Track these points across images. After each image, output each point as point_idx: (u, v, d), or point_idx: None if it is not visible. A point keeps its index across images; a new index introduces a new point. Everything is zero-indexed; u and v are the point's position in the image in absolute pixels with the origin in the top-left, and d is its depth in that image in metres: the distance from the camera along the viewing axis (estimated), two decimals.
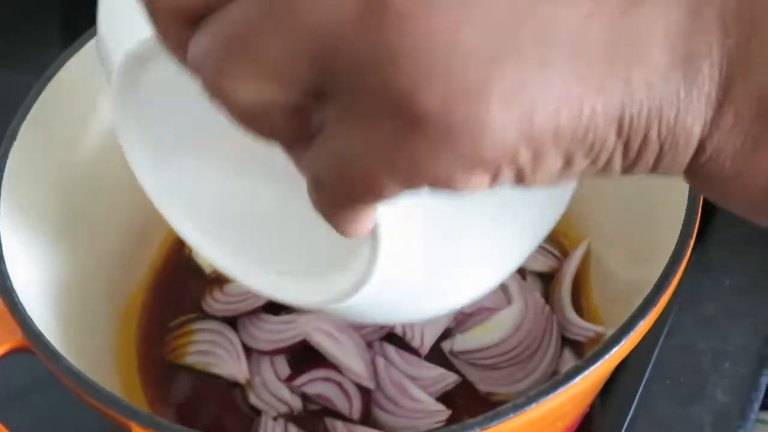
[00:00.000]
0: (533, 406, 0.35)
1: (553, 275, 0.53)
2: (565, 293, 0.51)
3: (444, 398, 0.48)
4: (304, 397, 0.49)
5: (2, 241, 0.43)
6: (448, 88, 0.22)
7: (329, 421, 0.48)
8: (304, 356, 0.50)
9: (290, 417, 0.48)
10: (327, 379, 0.48)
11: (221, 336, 0.51)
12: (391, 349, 0.49)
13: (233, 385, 0.50)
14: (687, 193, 0.42)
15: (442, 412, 0.47)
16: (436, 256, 0.33)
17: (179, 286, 0.55)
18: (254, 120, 0.25)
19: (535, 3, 0.23)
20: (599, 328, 0.48)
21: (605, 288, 0.51)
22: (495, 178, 0.24)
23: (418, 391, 0.47)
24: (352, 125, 0.24)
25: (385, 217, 0.29)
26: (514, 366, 0.49)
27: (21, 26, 0.73)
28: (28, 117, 0.47)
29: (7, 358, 0.41)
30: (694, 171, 0.26)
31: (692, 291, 0.55)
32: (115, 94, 0.34)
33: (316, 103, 0.24)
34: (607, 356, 0.36)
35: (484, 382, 0.48)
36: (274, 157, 0.33)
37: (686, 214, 0.41)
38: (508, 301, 0.50)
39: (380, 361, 0.48)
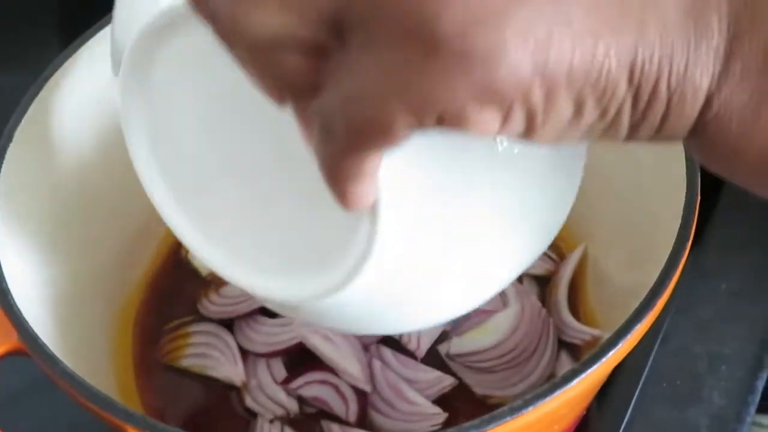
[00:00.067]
0: (530, 409, 0.35)
1: (550, 278, 0.53)
2: (562, 296, 0.51)
3: (440, 401, 0.48)
4: (301, 400, 0.49)
5: None
6: (468, 15, 0.23)
7: (325, 424, 0.48)
8: (301, 359, 0.50)
9: (286, 420, 0.48)
10: (323, 382, 0.48)
11: (217, 338, 0.51)
12: (387, 352, 0.49)
13: (229, 387, 0.50)
14: (684, 197, 0.42)
15: (439, 415, 0.47)
16: (434, 254, 0.32)
17: (175, 288, 0.55)
18: (266, 59, 0.25)
19: None
20: (596, 332, 0.49)
21: (602, 291, 0.51)
22: (506, 120, 0.24)
23: (414, 393, 0.47)
24: (367, 58, 0.24)
25: (385, 193, 0.29)
26: (510, 369, 0.49)
27: (18, 27, 0.73)
28: (25, 119, 0.47)
29: (3, 361, 0.41)
30: (699, 131, 0.26)
31: (688, 295, 0.55)
32: (124, 73, 0.34)
33: (332, 41, 0.24)
34: (603, 359, 0.36)
35: (480, 385, 0.48)
36: (267, 145, 0.33)
37: (683, 218, 0.41)
38: (505, 304, 0.50)
39: (377, 364, 0.48)
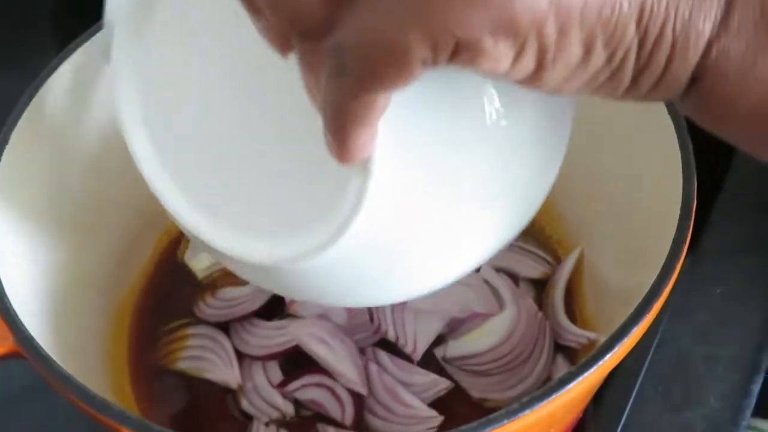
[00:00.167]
0: (527, 412, 0.35)
1: (547, 281, 0.53)
2: (558, 300, 0.51)
3: (436, 404, 0.48)
4: (297, 403, 0.49)
5: None
6: None
7: (321, 427, 0.48)
8: (297, 362, 0.50)
9: (282, 423, 0.48)
10: (319, 385, 0.48)
11: (213, 341, 0.51)
12: (383, 355, 0.49)
13: (225, 390, 0.50)
14: (680, 200, 0.42)
15: (435, 418, 0.47)
16: (418, 220, 0.32)
17: (171, 291, 0.55)
18: None
19: None
20: (592, 335, 0.49)
21: (598, 295, 0.51)
22: (518, 56, 0.25)
23: (410, 396, 0.47)
24: None
25: (379, 150, 0.29)
26: (506, 372, 0.49)
27: (14, 30, 0.73)
28: (21, 121, 0.47)
29: None
30: (697, 79, 0.26)
31: (684, 298, 0.55)
32: (117, 36, 0.35)
33: None
34: (600, 362, 0.36)
35: (476, 389, 0.48)
36: (250, 107, 0.32)
37: (679, 222, 0.41)
38: (501, 307, 0.50)
39: (373, 367, 0.48)
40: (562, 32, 0.25)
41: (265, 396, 0.49)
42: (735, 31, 0.26)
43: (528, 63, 0.25)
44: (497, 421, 0.34)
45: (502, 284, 0.51)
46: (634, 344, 0.38)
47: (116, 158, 0.53)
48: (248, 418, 0.49)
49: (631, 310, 0.38)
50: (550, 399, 0.35)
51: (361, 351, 0.49)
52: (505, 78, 0.26)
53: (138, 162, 0.37)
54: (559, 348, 0.50)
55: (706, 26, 0.26)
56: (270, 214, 0.33)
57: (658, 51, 0.26)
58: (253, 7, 0.27)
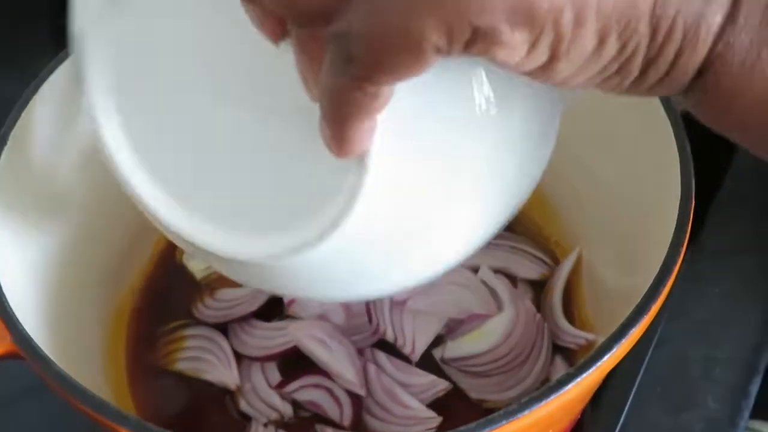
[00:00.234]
0: (525, 413, 0.35)
1: (545, 283, 0.53)
2: (557, 301, 0.51)
3: (435, 405, 0.48)
4: (295, 404, 0.49)
5: None
6: None
7: (320, 428, 0.47)
8: (295, 363, 0.50)
9: (281, 424, 0.48)
10: (318, 386, 0.48)
11: (212, 342, 0.51)
12: (382, 356, 0.49)
13: (224, 391, 0.50)
14: (678, 202, 0.42)
15: (433, 419, 0.47)
16: (409, 213, 0.32)
17: (170, 292, 0.55)
18: None
19: None
20: (590, 336, 0.49)
21: (596, 296, 0.51)
22: (533, 46, 0.25)
23: (409, 397, 0.47)
24: None
25: (376, 143, 0.28)
26: (505, 373, 0.49)
27: (12, 31, 0.73)
28: (19, 123, 0.47)
29: None
30: (702, 71, 0.27)
31: (682, 299, 0.55)
32: (85, 25, 0.33)
33: None
34: (598, 363, 0.36)
35: (475, 390, 0.48)
36: (233, 99, 0.31)
37: (677, 223, 0.41)
38: (499, 308, 0.50)
39: (371, 368, 0.48)
40: (579, 22, 0.24)
41: (264, 397, 0.49)
42: (741, 25, 0.26)
43: (542, 53, 0.25)
44: (496, 421, 0.34)
45: (501, 285, 0.51)
46: (632, 345, 0.38)
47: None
48: (246, 419, 0.49)
49: (629, 311, 0.38)
50: (549, 400, 0.35)
51: (360, 352, 0.49)
52: (515, 69, 0.26)
53: (112, 162, 0.36)
54: (558, 349, 0.50)
55: (715, 19, 0.26)
56: (259, 209, 0.33)
57: (668, 43, 0.26)
58: None
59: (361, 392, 0.48)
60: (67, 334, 0.46)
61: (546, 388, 0.35)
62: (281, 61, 0.27)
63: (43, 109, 0.48)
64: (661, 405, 0.51)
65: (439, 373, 0.49)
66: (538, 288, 0.53)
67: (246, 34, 0.28)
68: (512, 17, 0.24)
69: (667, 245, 0.40)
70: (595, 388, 0.44)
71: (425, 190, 0.32)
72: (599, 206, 0.51)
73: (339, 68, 0.25)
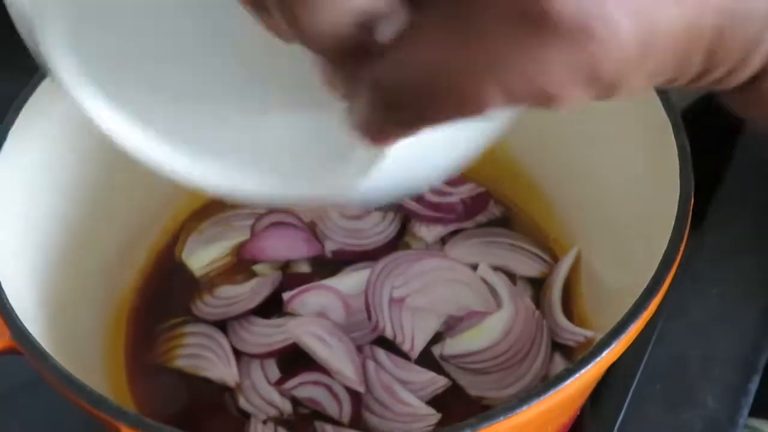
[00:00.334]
0: (524, 408, 0.35)
1: (544, 280, 0.53)
2: (556, 298, 0.51)
3: (434, 402, 0.48)
4: (294, 401, 0.49)
5: None
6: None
7: (319, 425, 0.47)
8: (294, 360, 0.50)
9: (280, 420, 0.48)
10: (317, 383, 0.48)
11: (211, 339, 0.51)
12: (381, 353, 0.49)
13: (223, 388, 0.50)
14: (677, 200, 0.42)
15: (432, 416, 0.47)
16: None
17: (169, 289, 0.55)
18: (323, 30, 0.23)
19: None
20: (589, 333, 0.49)
21: (595, 294, 0.51)
22: (597, 97, 0.24)
23: (408, 394, 0.47)
24: (456, 30, 0.23)
25: None
26: (504, 370, 0.49)
27: (9, 31, 0.73)
28: (17, 122, 0.47)
29: None
30: (759, 77, 0.27)
31: (681, 298, 0.55)
32: None
33: (404, 7, 0.23)
34: (597, 359, 0.36)
35: (474, 387, 0.48)
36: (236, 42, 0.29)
37: (676, 221, 0.41)
38: (498, 305, 0.50)
39: (370, 365, 0.48)
40: (652, 77, 0.24)
41: (263, 394, 0.49)
42: None
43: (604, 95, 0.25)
44: (494, 417, 0.34)
45: (500, 283, 0.51)
46: (631, 341, 0.38)
47: (114, 157, 0.53)
48: (246, 416, 0.49)
49: (628, 308, 0.38)
50: (548, 395, 0.35)
51: (359, 349, 0.49)
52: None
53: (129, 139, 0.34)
54: (557, 347, 0.50)
55: None
56: (288, 153, 0.31)
57: (726, 60, 0.26)
58: (258, 4, 0.24)
59: (361, 389, 0.48)
60: (66, 331, 0.46)
61: (544, 383, 0.35)
62: None
63: (42, 107, 0.48)
64: (660, 403, 0.51)
65: (438, 370, 0.49)
66: (537, 285, 0.53)
67: None
68: (580, 81, 0.23)
69: (666, 243, 0.40)
70: (594, 385, 0.44)
71: None
72: (598, 204, 0.51)
73: (379, 110, 0.24)
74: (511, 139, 0.56)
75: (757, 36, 0.25)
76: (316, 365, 0.49)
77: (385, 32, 0.23)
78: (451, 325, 0.50)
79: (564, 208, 0.55)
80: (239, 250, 0.55)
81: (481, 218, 0.56)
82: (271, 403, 0.48)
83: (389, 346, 0.49)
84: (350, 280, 0.51)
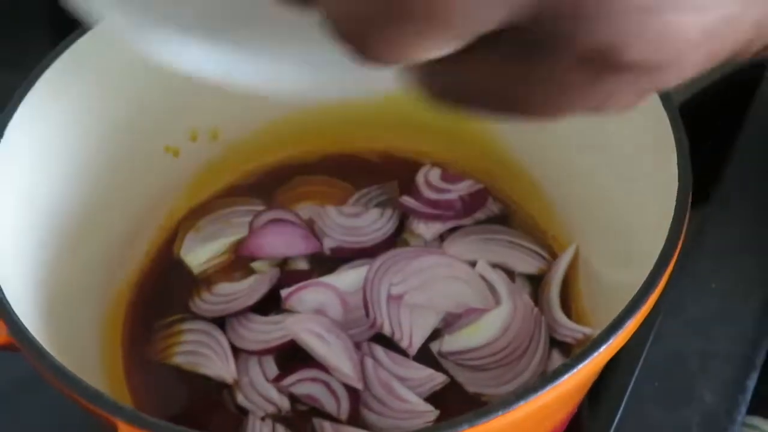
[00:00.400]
0: (521, 404, 0.35)
1: (542, 277, 0.53)
2: (554, 295, 0.51)
3: (432, 399, 0.48)
4: (292, 398, 0.49)
5: None
6: (649, 34, 0.23)
7: (317, 422, 0.47)
8: (293, 356, 0.49)
9: (278, 417, 0.48)
10: (315, 380, 0.48)
11: (209, 336, 0.51)
12: (379, 350, 0.49)
13: (221, 385, 0.50)
14: (675, 195, 0.42)
15: (431, 413, 0.47)
16: None
17: (167, 286, 0.55)
18: None
19: None
20: (587, 330, 0.49)
21: (594, 291, 0.51)
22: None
23: (406, 391, 0.47)
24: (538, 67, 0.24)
25: None
26: (502, 367, 0.49)
27: (7, 26, 0.73)
28: (14, 118, 0.46)
29: None
30: None
31: (679, 295, 0.55)
32: None
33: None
34: (595, 355, 0.36)
35: (472, 383, 0.48)
36: None
37: (674, 216, 0.41)
38: (497, 302, 0.50)
39: (368, 362, 0.48)
40: (709, 62, 0.25)
41: (261, 391, 0.49)
42: None
43: None
44: (491, 412, 0.34)
45: (498, 280, 0.51)
46: (629, 337, 0.38)
47: (111, 154, 0.53)
48: (244, 412, 0.49)
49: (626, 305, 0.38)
50: (545, 391, 0.35)
51: (357, 346, 0.49)
52: None
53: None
54: (555, 343, 0.50)
55: None
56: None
57: None
58: None
59: (359, 386, 0.48)
60: (64, 327, 0.46)
61: (543, 378, 0.35)
62: None
63: (39, 105, 0.48)
64: (658, 400, 0.51)
65: (437, 367, 0.49)
66: (536, 283, 0.53)
67: None
68: (644, 95, 0.25)
69: (664, 240, 0.40)
70: (592, 381, 0.44)
71: None
72: (597, 201, 0.51)
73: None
74: (509, 136, 0.57)
75: None
76: (314, 362, 0.49)
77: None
78: (449, 322, 0.50)
79: (562, 205, 0.55)
80: (237, 247, 0.55)
81: (479, 215, 0.56)
82: (269, 400, 0.48)
83: (387, 343, 0.49)
84: (348, 277, 0.51)
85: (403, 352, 0.49)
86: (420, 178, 0.57)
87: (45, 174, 0.49)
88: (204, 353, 0.50)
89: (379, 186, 0.58)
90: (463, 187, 0.56)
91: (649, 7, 0.23)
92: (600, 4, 0.23)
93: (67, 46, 0.49)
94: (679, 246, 0.40)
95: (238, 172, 0.60)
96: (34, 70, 0.48)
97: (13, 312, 0.40)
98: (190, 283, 0.54)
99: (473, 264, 0.52)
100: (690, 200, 0.41)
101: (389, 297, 0.50)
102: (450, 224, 0.55)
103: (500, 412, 0.35)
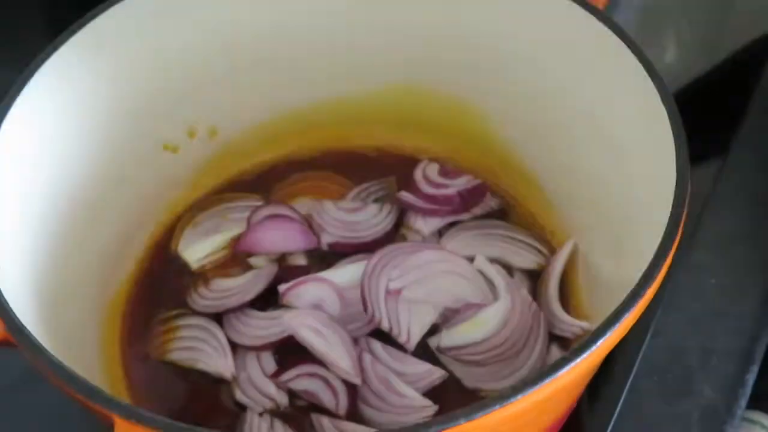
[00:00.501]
0: (519, 397, 0.35)
1: (541, 272, 0.53)
2: (553, 290, 0.51)
3: (430, 394, 0.47)
4: (291, 393, 0.48)
5: None
6: None
7: (315, 417, 0.47)
8: (291, 352, 0.49)
9: (276, 413, 0.48)
10: (313, 375, 0.48)
11: (206, 332, 0.51)
12: (377, 345, 0.49)
13: (219, 381, 0.50)
14: (673, 190, 0.42)
15: (429, 408, 0.46)
16: None
17: (164, 281, 0.54)
18: None
19: None
20: (585, 324, 0.48)
21: (593, 286, 0.51)
22: None
23: (404, 386, 0.47)
24: None
25: None
26: (501, 362, 0.49)
27: (5, 21, 0.73)
28: (11, 111, 0.46)
29: None
30: None
31: (679, 289, 0.55)
32: None
33: None
34: (593, 348, 0.36)
35: (470, 379, 0.48)
36: None
37: (672, 209, 0.41)
38: (495, 297, 0.50)
39: (366, 357, 0.48)
40: None
41: (259, 386, 0.49)
42: None
43: None
44: (489, 406, 0.34)
45: (497, 275, 0.51)
46: (627, 330, 0.38)
47: (109, 150, 0.53)
48: (242, 408, 0.48)
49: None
50: (544, 383, 0.35)
51: (355, 341, 0.49)
52: None
53: None
54: (554, 338, 0.50)
55: None
56: None
57: None
58: None
59: (357, 381, 0.47)
60: (61, 323, 0.46)
61: (541, 372, 0.35)
62: None
63: (36, 98, 0.48)
64: (658, 394, 0.51)
65: (435, 362, 0.49)
66: (535, 278, 0.53)
67: None
68: None
69: (662, 234, 0.40)
70: (591, 376, 0.44)
71: None
72: (595, 196, 0.51)
73: None
74: (508, 131, 0.56)
75: None
76: (312, 357, 0.48)
77: None
78: (447, 317, 0.50)
79: (561, 199, 0.54)
80: (235, 242, 0.55)
81: (478, 210, 0.56)
82: (267, 396, 0.48)
83: (385, 338, 0.49)
84: (346, 273, 0.51)
85: (401, 348, 0.49)
86: (418, 173, 0.57)
87: (42, 170, 0.49)
88: (202, 349, 0.50)
89: (378, 181, 0.58)
90: (462, 183, 0.56)
91: None
92: None
93: (64, 41, 0.49)
94: (677, 240, 0.40)
95: (236, 168, 0.59)
96: (31, 65, 0.48)
97: (10, 308, 0.40)
98: (187, 278, 0.54)
99: (471, 259, 0.52)
100: (688, 195, 0.41)
101: (387, 292, 0.50)
102: (448, 219, 0.55)
103: (498, 406, 0.35)
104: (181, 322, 0.52)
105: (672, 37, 0.71)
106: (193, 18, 0.54)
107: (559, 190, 0.54)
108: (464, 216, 0.55)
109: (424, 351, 0.49)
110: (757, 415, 0.55)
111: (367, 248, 0.53)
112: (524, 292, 0.51)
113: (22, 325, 0.40)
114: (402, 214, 0.56)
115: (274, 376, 0.49)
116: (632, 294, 0.38)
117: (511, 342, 0.49)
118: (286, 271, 0.53)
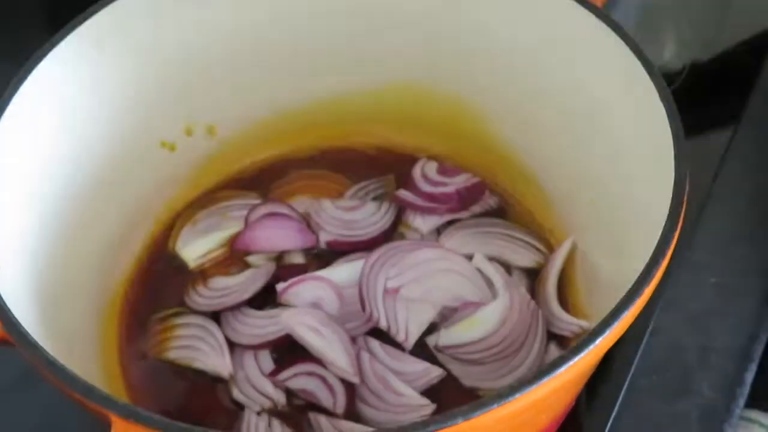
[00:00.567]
0: (517, 396, 0.34)
1: (539, 271, 0.53)
2: (551, 288, 0.51)
3: (428, 393, 0.47)
4: (288, 392, 0.48)
5: None
6: None
7: (313, 416, 0.47)
8: (289, 351, 0.49)
9: (274, 412, 0.48)
10: (311, 374, 0.48)
11: (204, 331, 0.51)
12: (375, 344, 0.49)
13: (217, 380, 0.50)
14: (672, 188, 0.42)
15: (427, 407, 0.46)
16: None
17: (162, 280, 0.54)
18: None
19: None
20: (584, 323, 0.48)
21: (591, 284, 0.51)
22: None
23: (402, 385, 0.47)
24: None
25: None
26: (499, 361, 0.48)
27: (6, 17, 0.72)
28: (9, 108, 0.46)
29: None
30: None
31: (678, 288, 0.55)
32: None
33: None
34: (591, 346, 0.36)
35: (469, 377, 0.48)
36: None
37: (671, 208, 0.41)
38: (494, 295, 0.50)
39: (364, 356, 0.48)
40: None
41: (257, 385, 0.49)
42: None
43: None
44: (487, 405, 0.34)
45: (495, 273, 0.51)
46: (625, 329, 0.38)
47: (107, 148, 0.53)
48: (239, 407, 0.48)
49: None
50: (542, 382, 0.35)
51: (353, 340, 0.49)
52: None
53: None
54: (552, 337, 0.50)
55: None
56: None
57: None
58: None
59: (355, 380, 0.47)
60: (59, 322, 0.46)
61: (539, 370, 0.35)
62: None
63: (34, 95, 0.48)
64: (656, 393, 0.51)
65: (433, 360, 0.49)
66: (533, 276, 0.53)
67: None
68: None
69: (660, 232, 0.40)
70: (589, 374, 0.44)
71: None
72: (594, 194, 0.51)
73: None
74: (507, 129, 0.56)
75: None
76: (310, 356, 0.48)
77: None
78: (445, 316, 0.50)
79: (560, 198, 0.54)
80: (233, 241, 0.55)
81: (476, 208, 0.56)
82: (265, 395, 0.48)
83: (383, 337, 0.49)
84: (344, 271, 0.51)
85: (399, 346, 0.49)
86: (417, 171, 0.56)
87: (40, 168, 0.49)
88: (199, 347, 0.50)
89: (376, 179, 0.58)
90: (460, 181, 0.56)
91: None
92: None
93: (63, 37, 0.49)
94: (675, 238, 0.40)
95: (234, 166, 0.59)
96: (29, 61, 0.48)
97: (8, 308, 0.40)
98: (185, 277, 0.54)
99: (470, 257, 0.52)
100: (686, 193, 0.41)
101: (385, 291, 0.50)
102: (447, 217, 0.55)
103: (496, 405, 0.34)
104: (179, 320, 0.52)
105: (671, 35, 0.71)
106: (192, 16, 0.54)
107: (558, 188, 0.54)
108: (463, 214, 0.55)
109: (422, 350, 0.49)
110: (755, 414, 0.55)
111: (365, 247, 0.53)
112: (523, 290, 0.51)
113: (20, 323, 0.39)
114: (400, 212, 0.56)
115: (272, 374, 0.48)
116: (630, 292, 0.38)
117: (510, 340, 0.49)
118: (284, 269, 0.53)
